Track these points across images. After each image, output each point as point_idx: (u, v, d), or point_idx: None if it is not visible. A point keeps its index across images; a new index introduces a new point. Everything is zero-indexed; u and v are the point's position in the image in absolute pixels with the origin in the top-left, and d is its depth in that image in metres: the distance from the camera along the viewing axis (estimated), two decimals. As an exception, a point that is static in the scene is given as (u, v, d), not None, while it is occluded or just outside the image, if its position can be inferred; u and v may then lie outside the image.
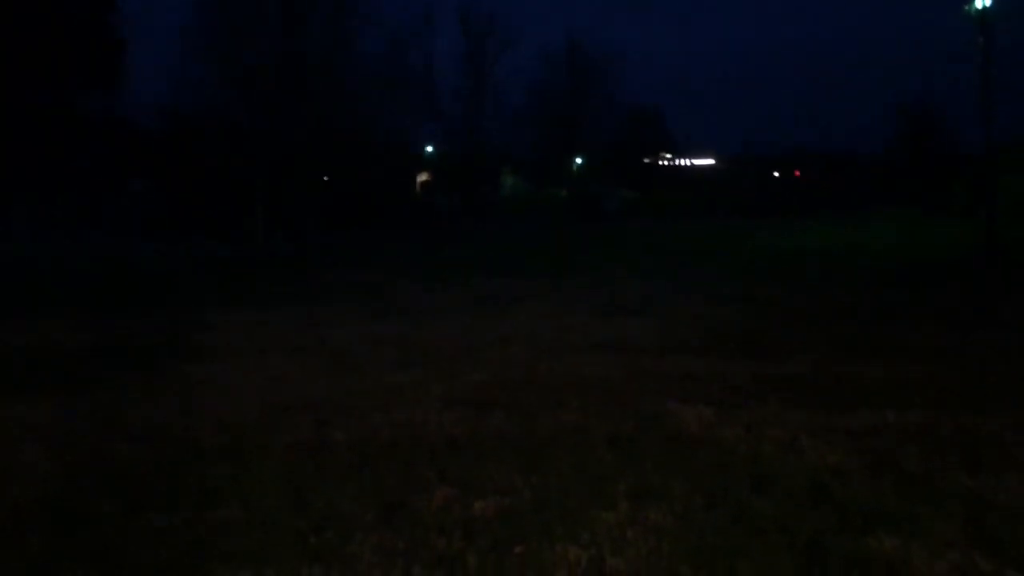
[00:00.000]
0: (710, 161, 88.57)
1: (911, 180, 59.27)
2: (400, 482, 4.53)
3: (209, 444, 5.33)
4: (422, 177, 64.49)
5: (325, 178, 38.10)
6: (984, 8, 30.47)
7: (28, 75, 33.22)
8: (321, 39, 38.73)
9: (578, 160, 68.61)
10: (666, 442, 5.15)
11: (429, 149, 63.60)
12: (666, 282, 14.98)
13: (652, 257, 21.60)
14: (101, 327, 10.65)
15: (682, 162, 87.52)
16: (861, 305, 11.63)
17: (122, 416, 6.10)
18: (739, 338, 8.92)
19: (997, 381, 6.65)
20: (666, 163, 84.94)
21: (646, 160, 79.48)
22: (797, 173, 73.69)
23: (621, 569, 3.49)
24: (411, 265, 21.13)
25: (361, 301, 13.08)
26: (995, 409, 5.76)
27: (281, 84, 37.27)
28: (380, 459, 4.93)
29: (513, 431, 5.43)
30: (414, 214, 50.27)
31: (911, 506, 4.06)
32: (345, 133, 37.88)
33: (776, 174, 75.36)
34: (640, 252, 23.84)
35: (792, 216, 49.37)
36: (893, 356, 7.75)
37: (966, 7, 31.21)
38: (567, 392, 6.49)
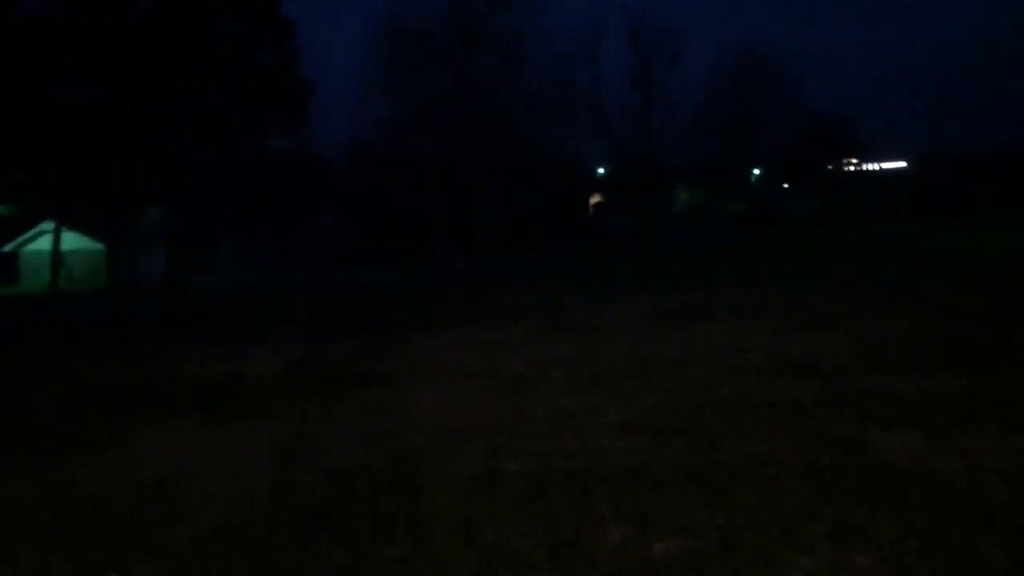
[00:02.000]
0: (900, 164, 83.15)
1: None
2: (573, 516, 4.28)
3: (383, 474, 5.30)
4: (595, 199, 64.43)
5: (500, 202, 38.80)
6: None
7: (225, 119, 35.99)
8: (494, 66, 39.60)
9: (755, 171, 66.34)
10: (869, 474, 4.62)
11: (601, 171, 63.48)
12: (856, 293, 13.91)
13: (836, 266, 20.27)
14: (289, 357, 11.11)
15: (869, 167, 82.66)
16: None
17: (302, 444, 6.23)
18: (946, 353, 8.03)
19: None
20: (852, 168, 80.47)
21: (829, 167, 75.62)
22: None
23: (823, 625, 3.07)
24: (584, 284, 20.92)
25: (533, 321, 12.99)
26: None
27: (457, 112, 38.39)
28: (552, 491, 4.70)
29: (695, 461, 5.05)
30: (588, 234, 50.23)
31: None
32: (518, 157, 38.44)
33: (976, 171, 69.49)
34: (822, 261, 22.46)
35: (995, 217, 45.18)
36: None
37: None
38: (753, 417, 6.01)
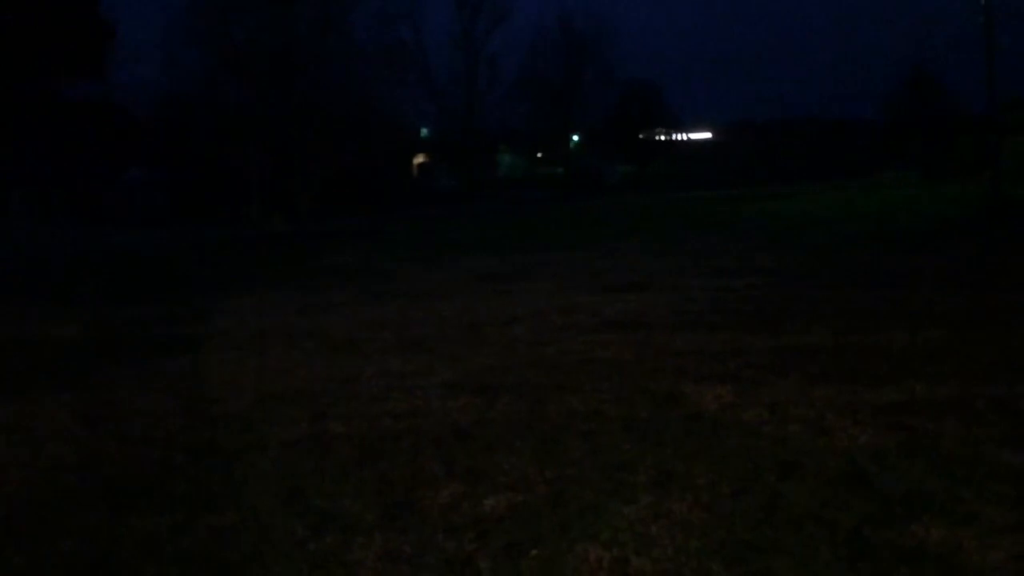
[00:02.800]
0: (707, 135, 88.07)
1: (912, 143, 58.71)
2: (403, 478, 4.24)
3: (202, 441, 5.04)
4: (419, 159, 64.01)
5: (321, 161, 37.66)
6: (986, -34, 30.01)
7: (12, 64, 32.72)
8: (311, 17, 38.20)
9: (575, 136, 68.07)
10: (685, 426, 4.86)
11: (425, 131, 63.09)
12: (671, 255, 14.65)
13: (655, 230, 21.24)
14: (95, 318, 10.35)
15: (679, 136, 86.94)
16: (874, 270, 11.31)
17: (112, 412, 5.82)
18: (752, 310, 8.60)
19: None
20: (663, 138, 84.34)
21: (642, 135, 78.87)
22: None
23: (647, 570, 3.20)
24: (410, 246, 20.79)
25: (360, 283, 12.76)
26: (1030, 379, 5.46)
27: (274, 65, 36.79)
28: (382, 453, 4.64)
29: (523, 418, 5.14)
30: (412, 195, 49.86)
31: (955, 489, 3.77)
32: (339, 114, 37.44)
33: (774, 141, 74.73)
34: (643, 225, 23.47)
35: (792, 183, 48.90)
36: (914, 323, 7.43)
37: (967, -34, 30.75)
38: (578, 374, 6.18)
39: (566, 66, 65.02)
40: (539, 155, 70.28)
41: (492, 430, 4.93)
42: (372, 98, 41.03)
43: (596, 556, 3.29)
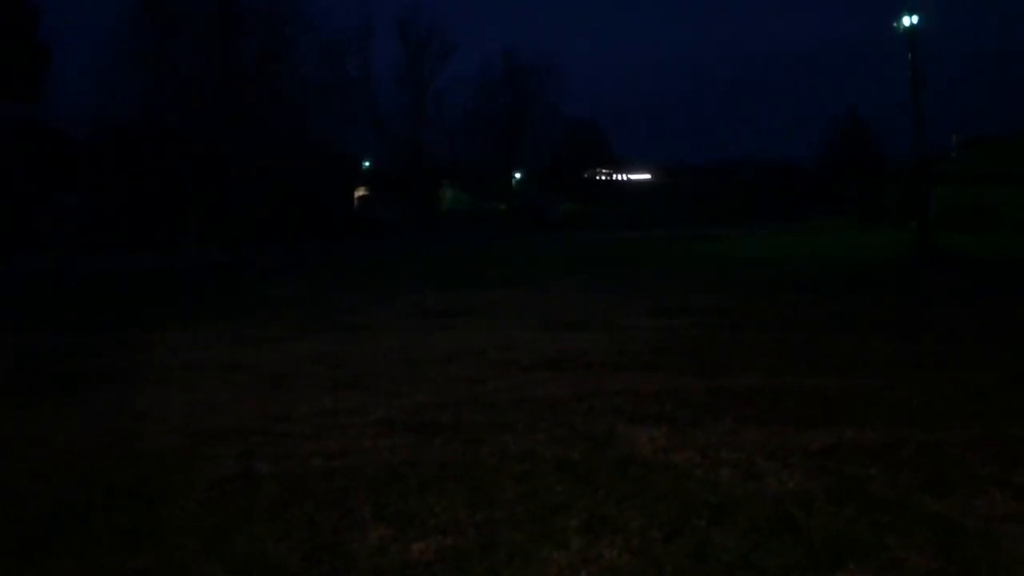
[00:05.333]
0: (646, 176, 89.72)
1: (844, 188, 60.64)
2: (331, 519, 4.14)
3: (124, 480, 4.86)
4: (360, 191, 63.79)
5: (261, 190, 37.21)
6: (912, 25, 31.34)
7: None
8: (256, 47, 37.95)
9: (518, 174, 68.69)
10: (618, 468, 4.85)
11: (367, 164, 62.99)
12: (612, 294, 14.77)
13: (595, 269, 21.42)
14: (16, 349, 9.98)
15: (621, 176, 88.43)
16: (808, 314, 11.54)
17: (29, 449, 5.58)
18: (689, 351, 8.69)
19: (951, 393, 6.51)
20: (605, 178, 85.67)
21: (585, 174, 80.00)
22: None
23: (576, 618, 3.16)
24: (349, 278, 20.60)
25: (296, 316, 12.56)
26: (953, 424, 5.60)
27: (216, 91, 36.39)
28: (310, 493, 4.53)
29: (457, 459, 5.08)
30: (353, 226, 49.52)
31: (880, 535, 3.82)
32: (281, 143, 37.13)
33: (711, 184, 76.53)
34: (584, 264, 23.66)
35: (730, 225, 49.97)
36: (845, 367, 7.59)
37: (895, 23, 32.09)
38: (514, 413, 6.15)
39: (511, 103, 65.82)
40: (483, 190, 70.64)
41: (425, 471, 4.86)
42: (315, 129, 40.83)
43: (525, 603, 3.24)
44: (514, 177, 68.27)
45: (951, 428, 5.50)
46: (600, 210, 69.37)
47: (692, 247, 30.24)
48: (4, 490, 4.75)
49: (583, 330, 10.39)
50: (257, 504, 4.40)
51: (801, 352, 8.54)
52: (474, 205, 71.89)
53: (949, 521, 3.99)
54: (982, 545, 3.73)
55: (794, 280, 16.70)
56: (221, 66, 36.67)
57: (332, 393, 7.02)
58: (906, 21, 31.20)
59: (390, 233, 51.26)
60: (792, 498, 4.32)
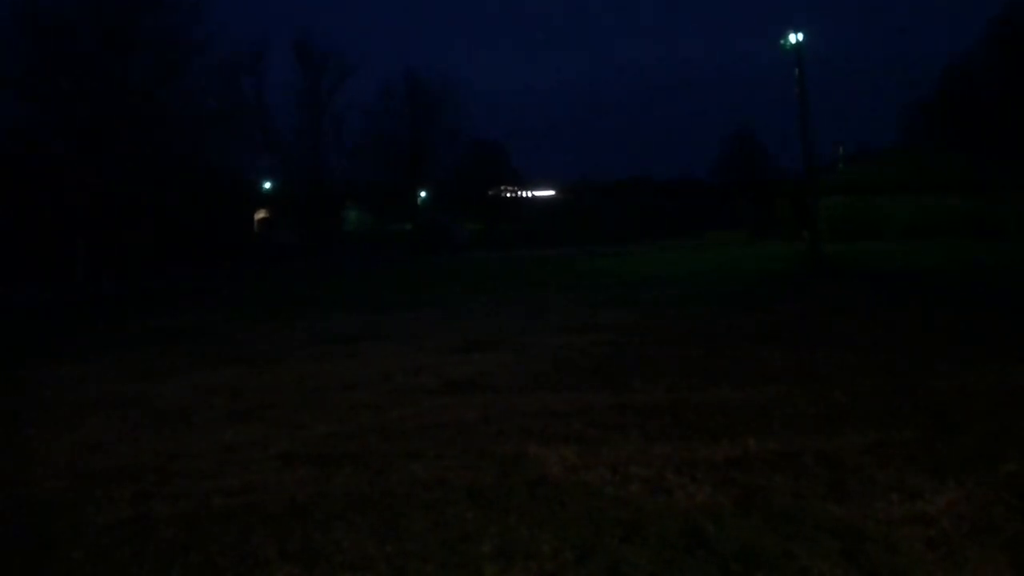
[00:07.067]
0: (550, 192, 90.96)
1: (741, 203, 62.88)
2: (234, 563, 3.96)
3: (4, 531, 4.54)
4: (260, 214, 62.46)
5: (153, 216, 35.94)
6: (798, 43, 32.77)
7: None
8: (146, 66, 36.78)
9: (422, 193, 68.51)
10: (530, 490, 4.82)
11: (267, 186, 61.76)
12: (516, 313, 14.79)
13: (501, 288, 21.45)
14: None
15: (525, 194, 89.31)
16: (706, 328, 11.80)
17: None
18: (595, 368, 8.75)
19: (844, 401, 6.74)
20: (509, 195, 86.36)
21: (490, 192, 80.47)
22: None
23: (491, 650, 3.09)
24: (248, 304, 20.02)
25: (192, 346, 12.11)
26: (849, 430, 5.79)
27: (102, 116, 35.05)
28: (211, 535, 4.33)
29: (364, 490, 4.94)
30: (253, 250, 48.36)
31: (787, 545, 3.89)
32: (173, 166, 36.00)
33: (612, 201, 78.07)
34: (490, 283, 23.67)
35: (630, 241, 51.02)
36: (743, 379, 7.77)
37: (782, 42, 33.49)
38: (422, 439, 6.05)
39: (413, 123, 65.66)
40: (388, 211, 70.17)
41: (331, 504, 4.71)
42: (210, 153, 39.77)
43: (438, 638, 3.15)
44: (419, 196, 68.03)
45: (847, 435, 5.69)
46: (505, 228, 69.82)
47: (595, 264, 30.69)
48: None
49: (490, 351, 10.35)
50: (153, 549, 4.18)
51: (701, 365, 8.71)
52: (378, 225, 71.32)
53: (851, 527, 4.10)
54: (883, 548, 3.84)
55: (692, 294, 17.09)
56: (106, 88, 35.35)
57: (230, 427, 6.76)
58: (792, 39, 32.65)
59: (291, 256, 50.23)
60: (701, 511, 4.37)
